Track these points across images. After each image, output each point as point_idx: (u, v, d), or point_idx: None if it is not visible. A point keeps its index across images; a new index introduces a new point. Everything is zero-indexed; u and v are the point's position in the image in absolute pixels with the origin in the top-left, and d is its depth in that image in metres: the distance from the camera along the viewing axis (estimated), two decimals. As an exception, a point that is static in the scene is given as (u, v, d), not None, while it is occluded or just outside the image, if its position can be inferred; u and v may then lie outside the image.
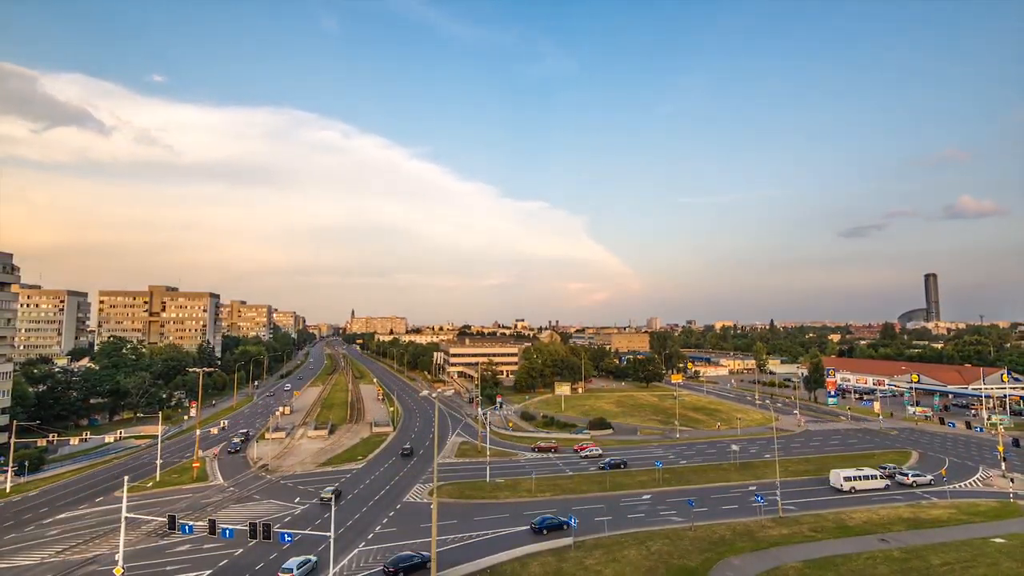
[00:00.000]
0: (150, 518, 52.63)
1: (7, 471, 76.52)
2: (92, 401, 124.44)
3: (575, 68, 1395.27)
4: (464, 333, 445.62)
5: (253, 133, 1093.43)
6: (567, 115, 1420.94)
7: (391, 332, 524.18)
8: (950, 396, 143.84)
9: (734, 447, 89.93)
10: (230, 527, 41.87)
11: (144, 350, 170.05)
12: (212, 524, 41.40)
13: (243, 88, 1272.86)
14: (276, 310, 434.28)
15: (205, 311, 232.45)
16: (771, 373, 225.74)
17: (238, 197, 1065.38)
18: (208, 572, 45.66)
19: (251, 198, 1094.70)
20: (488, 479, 73.75)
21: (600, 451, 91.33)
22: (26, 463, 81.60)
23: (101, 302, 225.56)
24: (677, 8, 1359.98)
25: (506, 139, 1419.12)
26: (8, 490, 73.33)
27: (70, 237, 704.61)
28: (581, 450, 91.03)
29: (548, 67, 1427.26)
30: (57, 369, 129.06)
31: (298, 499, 66.79)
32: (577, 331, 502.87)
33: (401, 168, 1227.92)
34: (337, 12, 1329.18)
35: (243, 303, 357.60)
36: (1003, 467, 77.67)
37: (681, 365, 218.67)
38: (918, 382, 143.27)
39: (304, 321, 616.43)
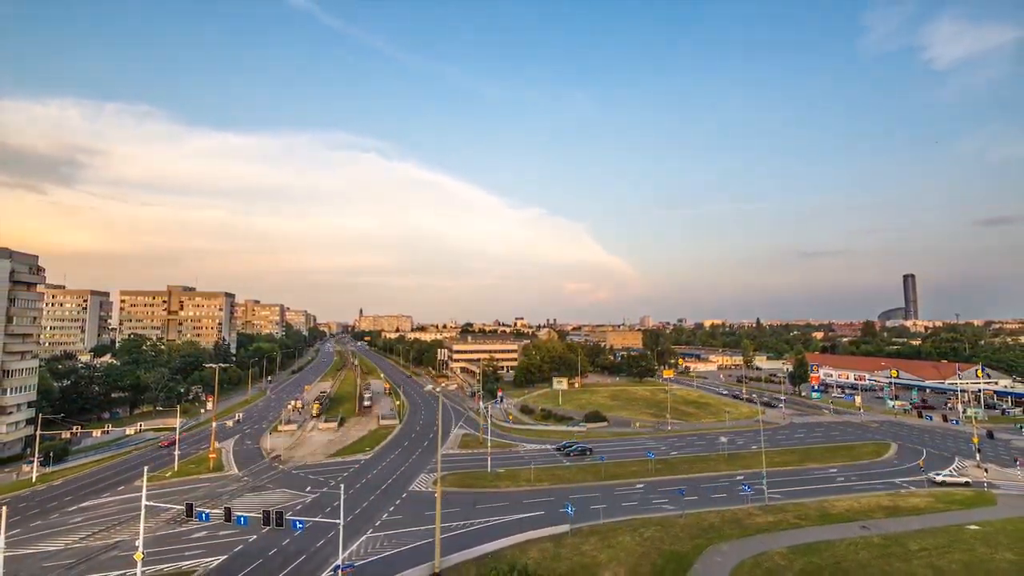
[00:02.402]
0: (169, 506, 52.55)
1: (33, 462, 76.60)
2: (113, 395, 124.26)
3: (581, 97, 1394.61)
4: (466, 331, 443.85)
5: (267, 153, 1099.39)
6: (568, 129, 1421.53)
7: (397, 330, 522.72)
8: (927, 390, 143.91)
9: (723, 439, 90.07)
10: (245, 515, 41.89)
11: (163, 347, 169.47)
12: (227, 512, 41.46)
13: (264, 113, 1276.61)
14: (288, 308, 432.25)
15: (221, 310, 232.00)
16: (758, 369, 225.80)
17: (258, 208, 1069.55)
18: (224, 557, 45.74)
19: (271, 209, 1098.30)
20: (489, 469, 73.78)
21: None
22: (51, 454, 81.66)
23: (122, 301, 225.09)
24: (675, 11, 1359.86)
25: (505, 148, 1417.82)
26: (34, 480, 73.35)
27: (93, 241, 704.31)
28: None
29: (550, 87, 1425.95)
30: (80, 365, 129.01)
31: (309, 488, 66.82)
32: (574, 329, 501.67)
33: (409, 178, 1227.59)
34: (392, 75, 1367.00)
35: (257, 302, 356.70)
36: (978, 458, 77.84)
37: (673, 361, 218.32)
38: (897, 377, 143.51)
39: (315, 319, 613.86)
